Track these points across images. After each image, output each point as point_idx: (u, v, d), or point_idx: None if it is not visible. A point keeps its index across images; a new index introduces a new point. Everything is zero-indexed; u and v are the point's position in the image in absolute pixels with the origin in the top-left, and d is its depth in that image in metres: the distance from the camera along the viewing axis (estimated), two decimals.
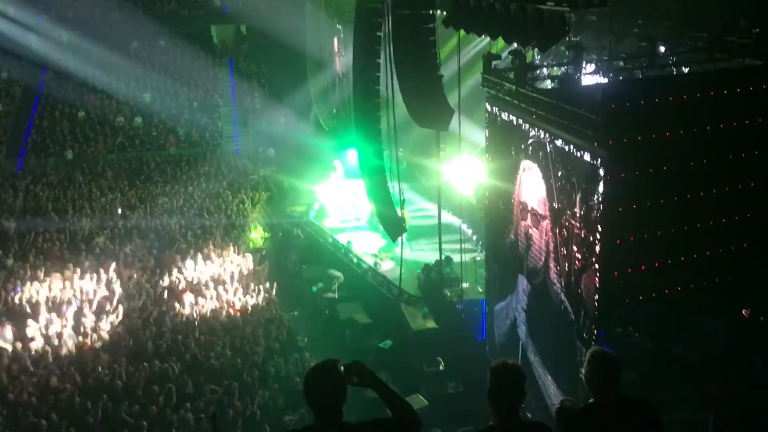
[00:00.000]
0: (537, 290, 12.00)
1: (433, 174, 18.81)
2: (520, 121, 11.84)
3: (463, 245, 16.89)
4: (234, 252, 18.34)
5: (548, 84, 12.34)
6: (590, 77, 11.49)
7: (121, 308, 15.10)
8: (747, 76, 10.11)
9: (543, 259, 11.59)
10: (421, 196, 21.52)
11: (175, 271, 17.05)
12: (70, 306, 15.20)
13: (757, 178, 10.08)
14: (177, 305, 15.42)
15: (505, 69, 12.82)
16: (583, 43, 12.27)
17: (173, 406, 11.91)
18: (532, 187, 11.83)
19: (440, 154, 17.22)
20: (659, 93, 9.78)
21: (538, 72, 12.46)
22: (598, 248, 9.71)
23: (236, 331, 14.46)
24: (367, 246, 19.97)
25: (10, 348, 13.63)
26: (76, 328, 14.47)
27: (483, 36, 13.66)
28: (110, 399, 12.02)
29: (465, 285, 16.52)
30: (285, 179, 24.30)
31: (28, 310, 15.12)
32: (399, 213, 16.54)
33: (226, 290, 16.09)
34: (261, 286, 16.46)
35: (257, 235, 20.72)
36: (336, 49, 26.16)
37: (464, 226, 18.38)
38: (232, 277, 16.83)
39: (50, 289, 16.05)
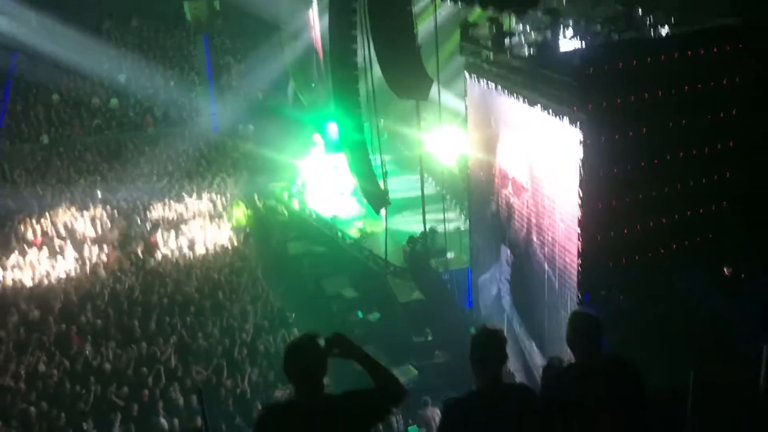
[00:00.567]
0: (520, 260, 12.06)
1: (415, 145, 18.75)
2: (499, 88, 11.78)
3: (446, 215, 16.92)
4: (217, 229, 18.41)
5: (526, 51, 12.26)
6: (568, 42, 11.42)
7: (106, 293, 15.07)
8: (723, 35, 10.09)
9: (525, 227, 11.62)
10: (403, 168, 21.46)
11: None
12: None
13: (735, 138, 10.12)
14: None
15: (482, 37, 12.72)
16: (560, 8, 12.16)
17: (162, 387, 11.95)
18: (512, 156, 11.82)
19: (421, 124, 17.14)
20: (637, 55, 9.74)
21: (515, 39, 12.36)
22: (579, 214, 9.74)
23: (224, 311, 14.48)
24: (351, 220, 19.94)
25: None
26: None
27: (459, 4, 13.52)
28: (98, 382, 12.05)
29: (450, 255, 16.56)
30: (265, 155, 24.13)
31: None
32: (381, 185, 16.49)
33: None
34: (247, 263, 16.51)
35: (240, 213, 20.62)
36: (311, 22, 25.84)
37: (447, 197, 18.38)
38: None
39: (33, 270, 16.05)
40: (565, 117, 9.81)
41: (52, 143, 25.43)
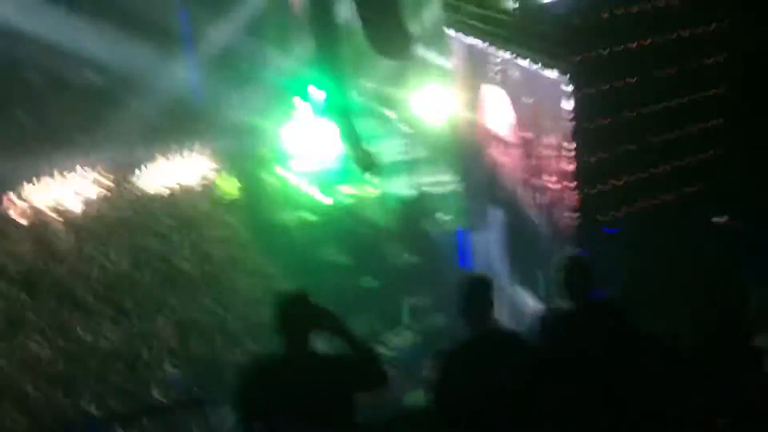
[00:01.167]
0: (513, 218, 11.95)
1: (403, 106, 18.50)
2: (485, 44, 11.55)
3: (438, 177, 16.79)
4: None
5: (511, 3, 12.02)
6: None
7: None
8: None
9: (516, 185, 11.51)
10: (391, 132, 21.21)
11: None
12: None
13: (727, 84, 10.02)
14: None
15: None
16: None
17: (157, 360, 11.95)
18: (500, 113, 11.64)
19: (407, 84, 16.91)
20: (623, 3, 9.58)
21: None
22: (571, 167, 9.64)
23: (216, 285, 14.43)
24: (341, 184, 19.76)
25: None
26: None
27: None
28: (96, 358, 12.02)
29: (443, 216, 16.48)
30: (249, 122, 23.81)
31: None
32: (369, 149, 16.30)
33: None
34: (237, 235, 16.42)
35: (230, 184, 20.42)
36: None
37: (437, 158, 18.21)
38: None
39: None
40: (553, 69, 9.64)
41: (32, 121, 24.94)
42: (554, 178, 10.17)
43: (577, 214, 9.85)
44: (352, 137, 16.22)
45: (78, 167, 20.52)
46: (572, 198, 9.79)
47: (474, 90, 12.58)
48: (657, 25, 9.58)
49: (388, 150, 19.88)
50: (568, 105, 9.44)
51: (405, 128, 17.10)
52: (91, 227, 17.11)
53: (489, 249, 13.26)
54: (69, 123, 24.83)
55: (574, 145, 9.56)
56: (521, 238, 11.67)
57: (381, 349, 12.70)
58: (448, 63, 14.03)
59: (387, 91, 21.97)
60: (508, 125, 11.43)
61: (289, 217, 18.61)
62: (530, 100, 10.51)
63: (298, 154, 22.22)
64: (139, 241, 16.52)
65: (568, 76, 9.36)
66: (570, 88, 9.35)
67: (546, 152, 10.30)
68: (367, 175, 17.12)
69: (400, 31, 14.57)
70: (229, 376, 11.55)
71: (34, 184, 19.09)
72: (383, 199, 17.60)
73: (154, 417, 10.47)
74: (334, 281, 16.01)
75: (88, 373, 11.72)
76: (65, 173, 20.00)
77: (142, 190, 19.30)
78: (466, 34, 12.18)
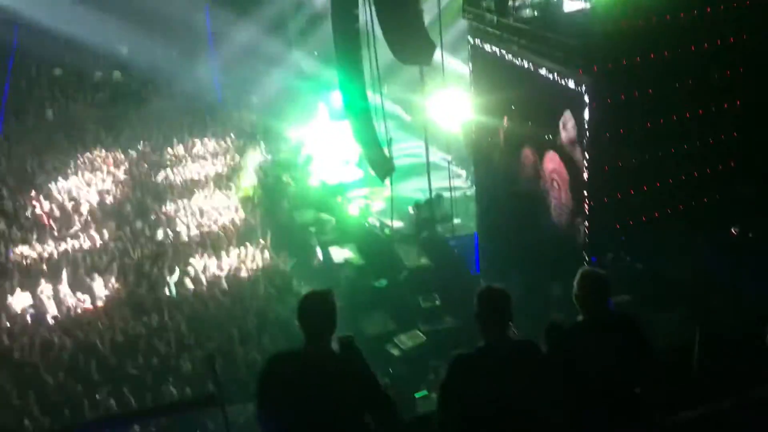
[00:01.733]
0: (527, 224, 12.05)
1: (419, 111, 18.63)
2: (503, 52, 11.67)
3: (452, 181, 16.89)
4: (225, 200, 18.55)
5: (530, 12, 12.13)
6: (572, 3, 11.31)
7: (115, 265, 15.17)
8: None
9: (531, 191, 11.61)
10: (408, 134, 21.38)
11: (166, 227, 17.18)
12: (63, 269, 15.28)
13: (742, 97, 10.04)
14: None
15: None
16: None
17: (174, 356, 12.12)
18: (517, 120, 11.77)
19: (425, 89, 17.02)
20: (642, 14, 9.65)
21: (519, 2, 12.22)
22: (586, 175, 9.73)
23: (234, 282, 14.61)
24: (357, 187, 19.94)
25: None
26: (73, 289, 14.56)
27: None
28: (114, 354, 12.23)
29: (457, 221, 16.58)
30: (270, 124, 24.08)
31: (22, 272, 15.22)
32: (386, 153, 16.44)
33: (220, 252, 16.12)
34: (255, 234, 16.60)
35: (248, 183, 20.65)
36: None
37: (453, 162, 18.33)
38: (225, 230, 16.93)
39: (44, 250, 16.14)
40: (570, 79, 9.73)
41: (57, 118, 25.38)
42: (569, 186, 10.26)
43: (592, 222, 9.92)
44: (371, 141, 16.33)
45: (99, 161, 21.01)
46: (588, 206, 9.86)
47: (491, 96, 12.70)
48: (675, 37, 9.58)
49: (404, 153, 20.04)
50: (585, 114, 9.52)
51: (422, 133, 17.21)
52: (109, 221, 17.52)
53: (502, 253, 13.37)
54: (93, 119, 25.27)
55: (589, 154, 9.63)
56: (535, 244, 11.76)
57: (393, 350, 12.87)
58: (466, 69, 14.18)
59: (405, 96, 22.14)
60: (524, 132, 11.54)
61: (307, 217, 18.79)
62: (547, 108, 10.60)
63: (317, 156, 22.49)
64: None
65: (585, 86, 9.42)
66: (587, 98, 9.42)
67: (562, 159, 10.39)
68: (384, 178, 17.23)
69: (420, 37, 14.68)
70: (243, 370, 11.77)
71: (62, 185, 19.49)
72: (398, 201, 17.71)
73: (170, 413, 10.58)
74: (348, 281, 16.18)
75: (107, 366, 11.94)
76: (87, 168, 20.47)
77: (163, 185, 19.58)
78: (486, 42, 12.31)
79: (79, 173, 20.46)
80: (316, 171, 21.49)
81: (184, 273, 14.80)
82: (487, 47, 12.25)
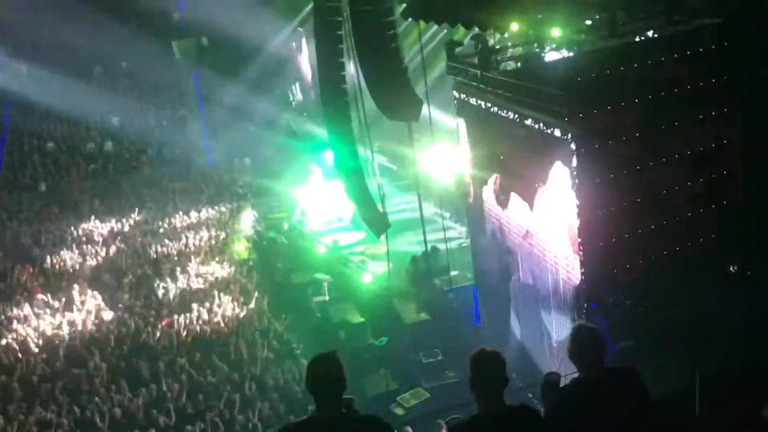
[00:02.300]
0: (524, 274, 11.98)
1: (410, 165, 18.75)
2: (489, 104, 11.80)
3: (447, 233, 16.87)
4: (220, 266, 18.43)
5: (514, 64, 12.32)
6: (554, 53, 11.49)
7: (111, 339, 14.99)
8: (707, 35, 10.15)
9: (525, 241, 11.57)
10: (400, 190, 21.48)
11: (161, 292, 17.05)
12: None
13: (730, 137, 10.12)
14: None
15: (469, 54, 12.79)
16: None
17: (174, 426, 11.88)
18: (506, 171, 11.82)
19: (415, 144, 17.17)
20: (624, 61, 9.82)
21: (501, 55, 12.43)
22: (578, 222, 9.72)
23: (230, 346, 14.42)
24: (353, 245, 19.91)
25: None
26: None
27: (443, 24, 13.64)
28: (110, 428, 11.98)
29: (454, 273, 16.49)
30: (263, 185, 24.18)
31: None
32: (380, 209, 16.47)
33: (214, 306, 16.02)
34: (251, 297, 16.46)
35: (241, 246, 20.61)
36: (300, 52, 26.07)
37: (446, 215, 18.37)
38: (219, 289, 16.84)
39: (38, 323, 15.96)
40: (556, 129, 9.81)
41: (50, 190, 25.46)
42: (562, 234, 10.24)
43: (585, 269, 9.86)
44: (364, 198, 16.41)
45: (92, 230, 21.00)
46: (580, 252, 9.82)
47: (480, 149, 12.79)
48: (659, 81, 9.70)
49: (398, 207, 20.07)
50: (572, 162, 9.56)
51: (414, 186, 17.28)
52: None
53: (500, 304, 13.26)
54: (83, 189, 25.33)
55: (580, 201, 9.64)
56: (533, 293, 11.68)
57: (397, 410, 12.65)
58: (453, 122, 14.34)
59: (396, 151, 22.30)
60: (514, 182, 11.57)
61: (303, 277, 18.69)
62: (535, 158, 10.65)
63: (313, 216, 22.51)
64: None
65: (571, 134, 9.49)
66: (574, 146, 9.48)
67: (553, 208, 10.39)
68: (379, 235, 17.22)
69: (407, 94, 14.91)
70: None
71: (56, 257, 19.42)
72: (395, 255, 17.66)
73: None
74: (348, 340, 15.99)
75: None
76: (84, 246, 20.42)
77: (157, 256, 19.47)
78: (471, 96, 12.46)
79: (74, 245, 20.40)
80: (311, 230, 21.50)
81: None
82: (473, 101, 12.40)
